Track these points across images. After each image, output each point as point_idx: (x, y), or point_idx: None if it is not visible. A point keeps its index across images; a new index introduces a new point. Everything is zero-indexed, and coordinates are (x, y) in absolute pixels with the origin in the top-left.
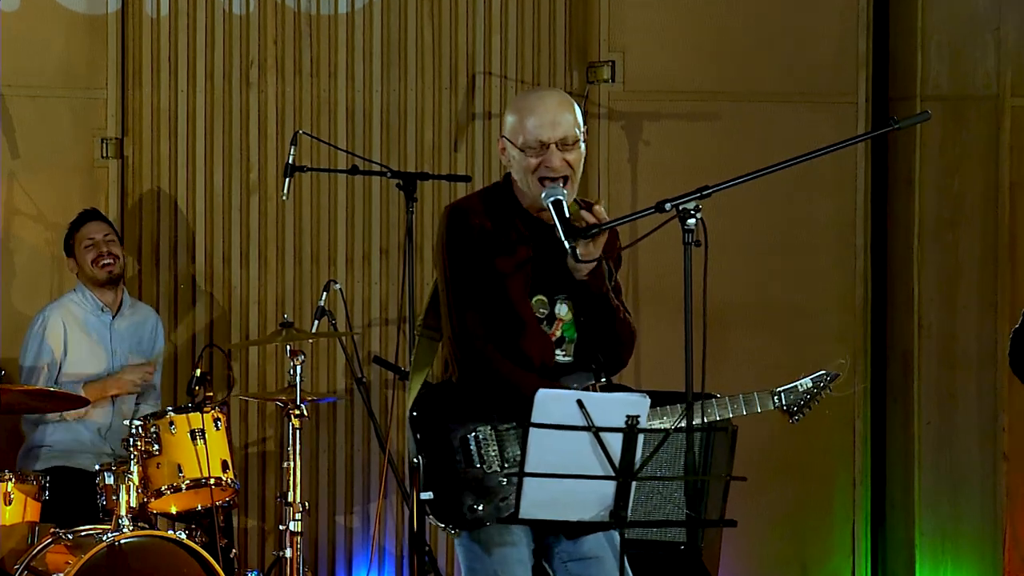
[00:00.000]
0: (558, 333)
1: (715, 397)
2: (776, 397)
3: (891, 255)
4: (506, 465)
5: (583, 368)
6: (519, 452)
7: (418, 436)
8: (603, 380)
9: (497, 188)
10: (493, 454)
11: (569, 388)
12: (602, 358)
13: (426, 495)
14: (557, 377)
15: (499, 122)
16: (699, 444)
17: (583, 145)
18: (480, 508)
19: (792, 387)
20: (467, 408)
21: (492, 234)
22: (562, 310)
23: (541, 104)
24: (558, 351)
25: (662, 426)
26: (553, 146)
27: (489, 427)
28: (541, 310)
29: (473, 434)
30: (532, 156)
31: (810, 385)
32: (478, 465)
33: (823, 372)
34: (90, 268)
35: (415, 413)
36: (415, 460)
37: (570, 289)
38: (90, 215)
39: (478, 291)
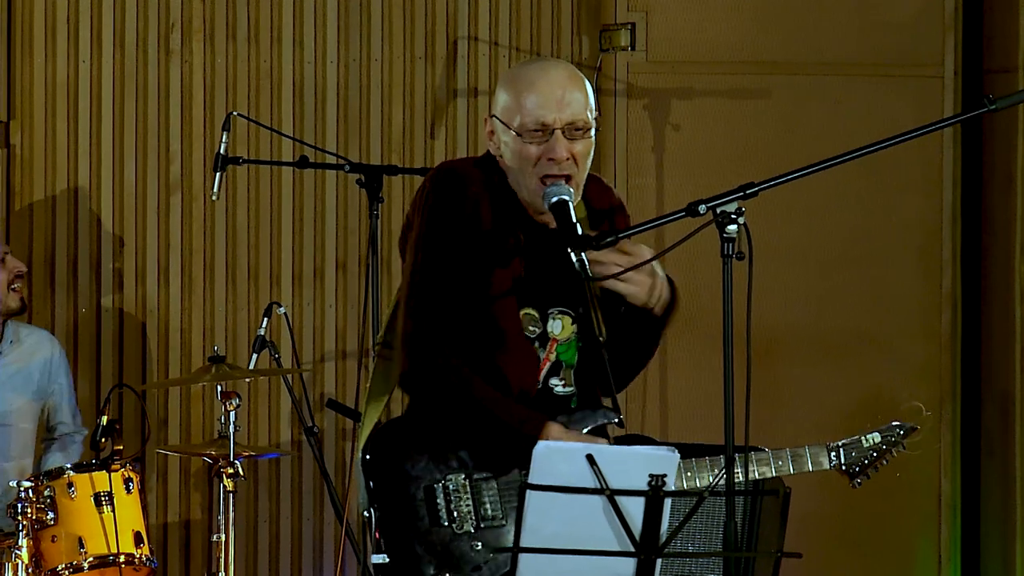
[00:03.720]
0: (552, 356)
1: (759, 451)
2: (833, 453)
3: (987, 270)
4: (482, 525)
5: (588, 403)
6: (499, 510)
7: (371, 484)
8: (617, 420)
9: (490, 163)
10: (466, 510)
11: (567, 429)
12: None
13: (378, 558)
14: (552, 412)
15: (488, 101)
16: (742, 511)
17: (593, 136)
18: None
19: (854, 441)
20: (434, 449)
21: (488, 216)
22: (556, 327)
23: (545, 77)
24: (554, 379)
25: (695, 488)
26: (559, 132)
27: (463, 475)
28: (531, 327)
29: (441, 484)
30: (531, 143)
31: (878, 440)
32: (446, 524)
33: (895, 424)
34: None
35: (368, 456)
36: (366, 514)
37: (568, 301)
38: None
39: (454, 282)
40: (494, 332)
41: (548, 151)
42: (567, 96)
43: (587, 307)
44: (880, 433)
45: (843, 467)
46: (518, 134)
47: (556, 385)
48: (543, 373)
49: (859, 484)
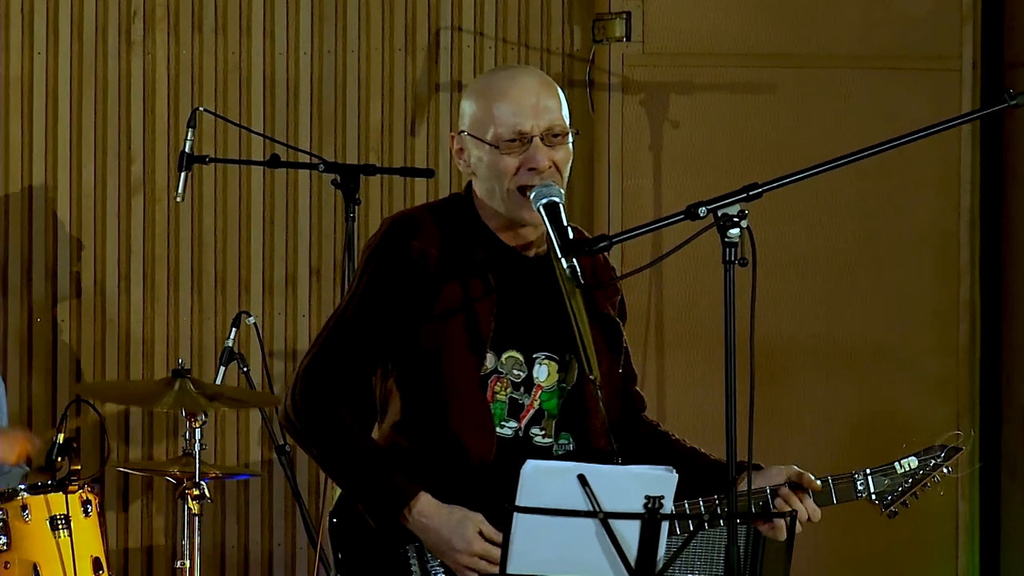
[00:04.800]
0: (536, 405)
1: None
2: (860, 482)
3: (1007, 277)
4: None
5: (572, 458)
6: None
7: (339, 556)
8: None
9: (456, 203)
10: (441, 571)
11: (441, 504)
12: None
13: None
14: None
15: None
16: (745, 535)
17: (571, 143)
18: None
19: (887, 468)
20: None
21: (436, 267)
22: (542, 373)
23: (517, 84)
24: (535, 429)
25: (694, 511)
26: (537, 139)
27: None
28: (515, 371)
29: (414, 546)
30: (508, 154)
31: (915, 465)
32: None
33: (936, 446)
34: None
35: (335, 519)
36: None
37: (555, 344)
38: None
39: (369, 338)
40: (444, 391)
41: (528, 160)
42: (542, 101)
43: (576, 351)
44: (918, 458)
45: (873, 496)
46: (493, 146)
47: (536, 435)
48: (525, 420)
49: (895, 514)
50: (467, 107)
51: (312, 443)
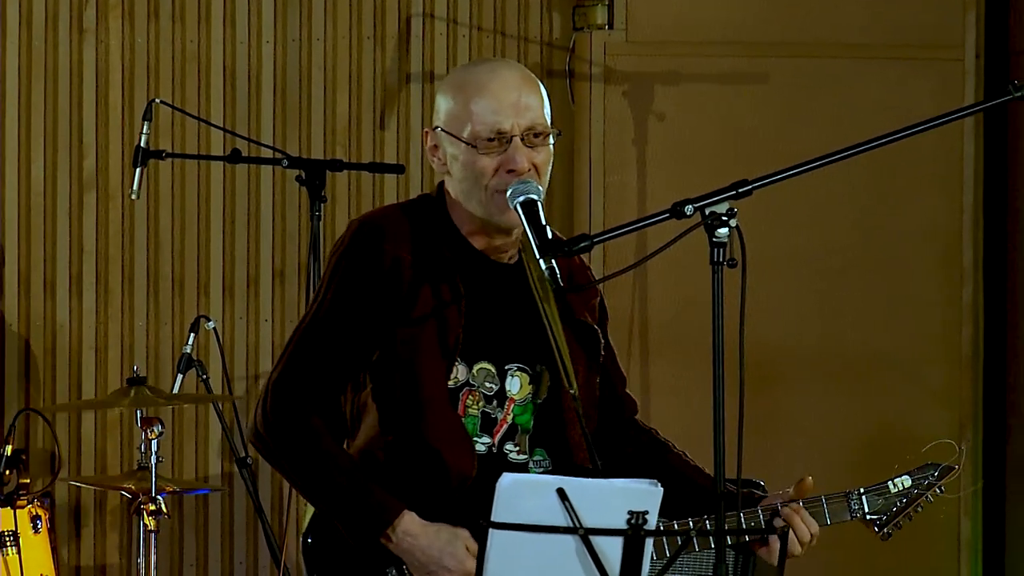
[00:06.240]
0: (509, 419)
1: (757, 488)
2: (854, 502)
3: (1013, 280)
4: None
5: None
6: None
7: None
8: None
9: (426, 204)
10: None
11: (427, 523)
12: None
13: None
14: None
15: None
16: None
17: (552, 143)
18: None
19: (880, 487)
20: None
21: (410, 271)
22: (514, 385)
23: (496, 79)
24: (509, 444)
25: (681, 526)
26: (517, 139)
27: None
28: (487, 383)
29: (395, 570)
30: (486, 153)
31: (908, 485)
32: None
33: (928, 465)
34: None
35: (310, 539)
36: None
37: (527, 355)
38: None
39: (341, 348)
40: (421, 404)
41: (507, 162)
42: (523, 99)
43: (550, 362)
44: (911, 476)
45: (867, 517)
46: (470, 144)
47: (511, 451)
48: (499, 436)
49: (889, 535)
50: (442, 102)
51: (285, 461)
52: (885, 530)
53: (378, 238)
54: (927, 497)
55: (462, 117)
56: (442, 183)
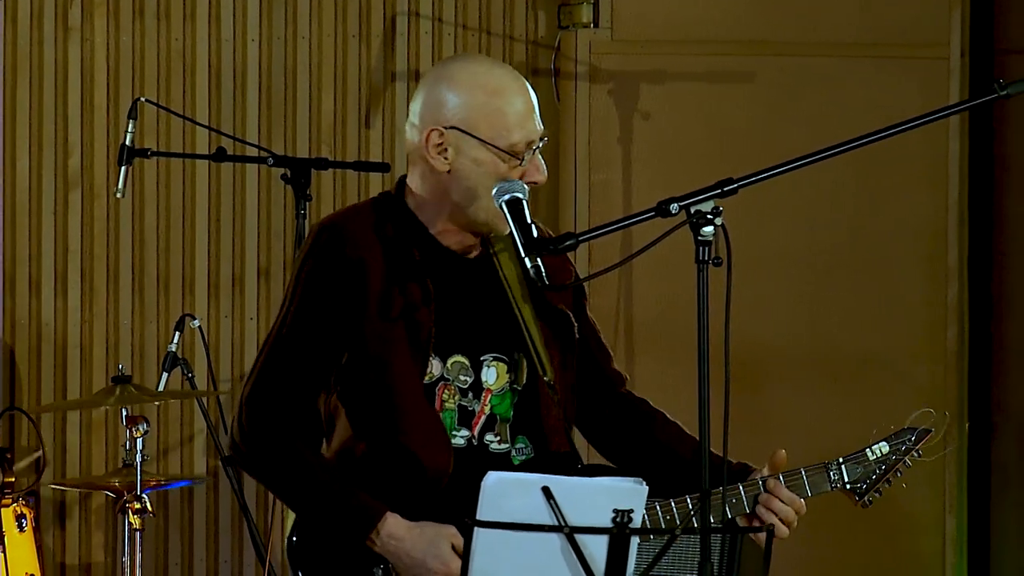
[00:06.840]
0: (487, 410)
1: (741, 482)
2: (833, 472)
3: (998, 279)
4: None
5: (533, 465)
6: None
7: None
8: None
9: (387, 203)
10: None
11: (412, 524)
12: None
13: None
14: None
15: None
16: (720, 549)
17: None
18: None
19: (858, 455)
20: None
21: (376, 272)
22: (491, 376)
23: (515, 83)
24: (489, 435)
25: (666, 524)
26: (536, 148)
27: None
28: (462, 376)
29: (382, 569)
30: (516, 165)
31: (886, 451)
32: None
33: (905, 429)
34: None
35: (295, 539)
36: None
37: (502, 345)
38: None
39: (310, 354)
40: (393, 404)
41: (532, 172)
42: (536, 107)
43: (527, 349)
44: (888, 442)
45: (847, 485)
46: (508, 154)
47: (491, 442)
48: (478, 428)
49: (869, 503)
50: (453, 98)
51: (264, 471)
52: (865, 498)
53: (339, 241)
54: (905, 462)
55: (495, 122)
56: (402, 180)
